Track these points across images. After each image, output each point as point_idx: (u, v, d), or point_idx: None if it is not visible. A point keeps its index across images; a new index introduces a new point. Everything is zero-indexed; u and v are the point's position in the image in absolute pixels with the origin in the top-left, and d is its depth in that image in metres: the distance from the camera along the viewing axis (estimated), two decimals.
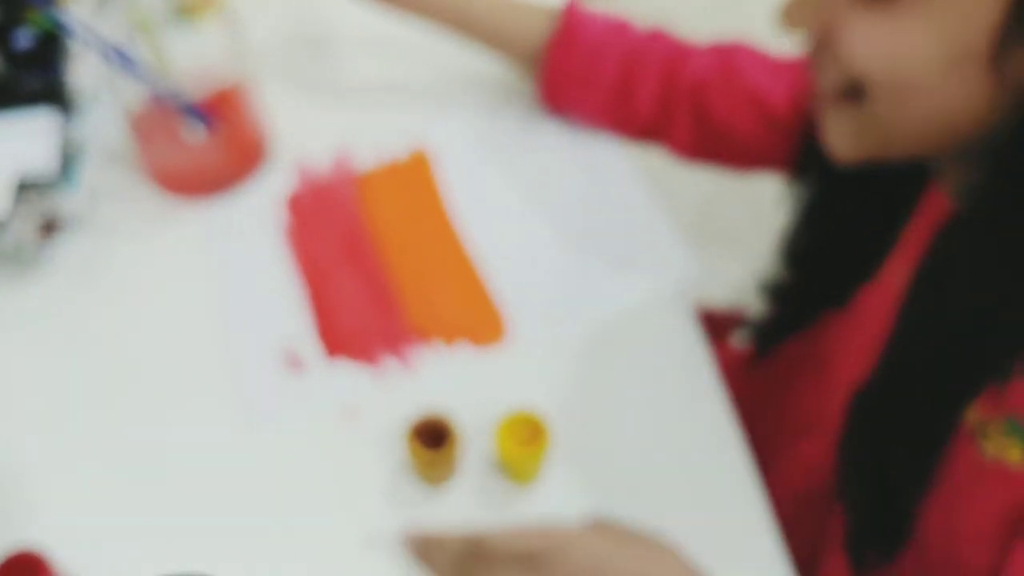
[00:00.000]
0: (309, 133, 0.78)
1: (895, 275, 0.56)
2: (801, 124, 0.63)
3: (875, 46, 0.44)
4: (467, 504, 0.59)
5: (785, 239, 0.66)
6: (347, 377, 0.65)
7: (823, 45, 0.48)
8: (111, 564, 0.56)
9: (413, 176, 0.76)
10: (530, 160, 0.76)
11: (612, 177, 0.75)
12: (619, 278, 0.69)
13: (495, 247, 0.71)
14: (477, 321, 0.67)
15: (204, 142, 0.72)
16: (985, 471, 0.48)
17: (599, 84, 0.72)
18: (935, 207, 0.54)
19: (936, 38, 0.43)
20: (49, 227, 0.71)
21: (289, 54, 0.85)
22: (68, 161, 0.74)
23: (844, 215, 0.61)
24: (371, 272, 0.70)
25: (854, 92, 0.47)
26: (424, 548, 0.50)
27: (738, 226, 1.67)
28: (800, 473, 0.64)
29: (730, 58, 0.70)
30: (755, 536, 0.58)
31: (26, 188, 0.71)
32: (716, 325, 0.77)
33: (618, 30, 0.72)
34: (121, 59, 0.67)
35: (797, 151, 0.64)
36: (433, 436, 0.57)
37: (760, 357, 0.71)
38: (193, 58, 0.68)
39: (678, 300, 0.68)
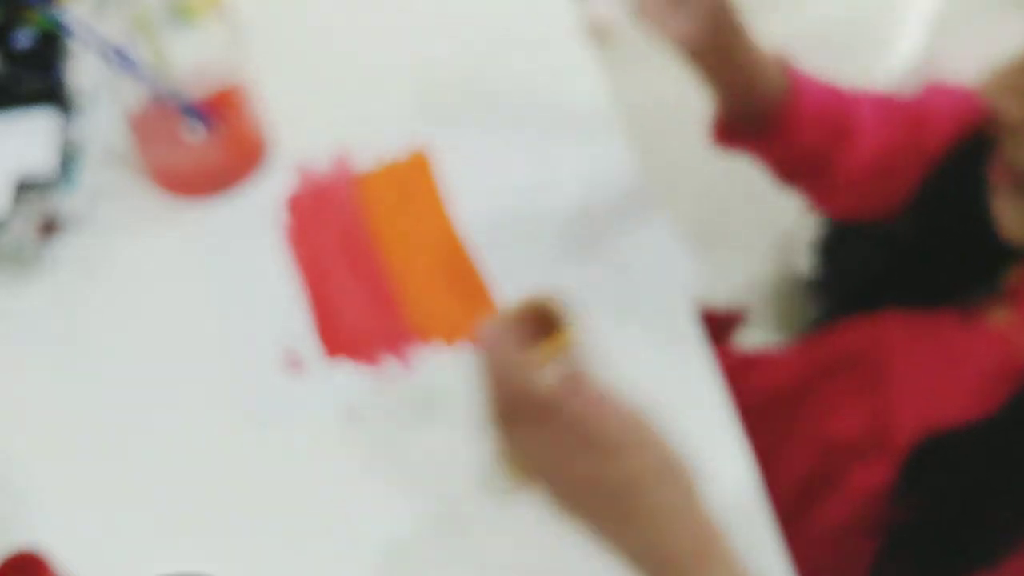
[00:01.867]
0: (309, 133, 0.78)
1: (995, 321, 0.55)
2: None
3: None
4: (467, 502, 0.59)
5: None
6: (347, 377, 0.65)
7: None
8: (111, 564, 0.57)
9: (413, 176, 0.76)
10: (530, 161, 0.76)
11: (613, 178, 0.75)
12: (620, 279, 0.70)
13: (495, 247, 0.71)
14: (477, 321, 0.67)
15: (204, 142, 0.72)
16: None
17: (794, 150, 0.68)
18: None
19: None
20: (49, 227, 0.71)
21: (289, 54, 0.85)
22: (68, 161, 0.74)
23: (940, 250, 0.59)
24: (371, 272, 0.70)
25: None
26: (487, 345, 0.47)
27: (739, 228, 1.68)
28: (853, 500, 0.61)
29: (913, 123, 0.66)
30: (754, 532, 0.58)
31: (26, 188, 0.71)
32: (716, 325, 0.77)
33: (832, 103, 0.67)
34: (121, 59, 0.67)
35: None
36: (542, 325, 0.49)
37: (813, 329, 0.67)
38: (193, 58, 0.68)
39: (679, 301, 0.68)
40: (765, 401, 0.70)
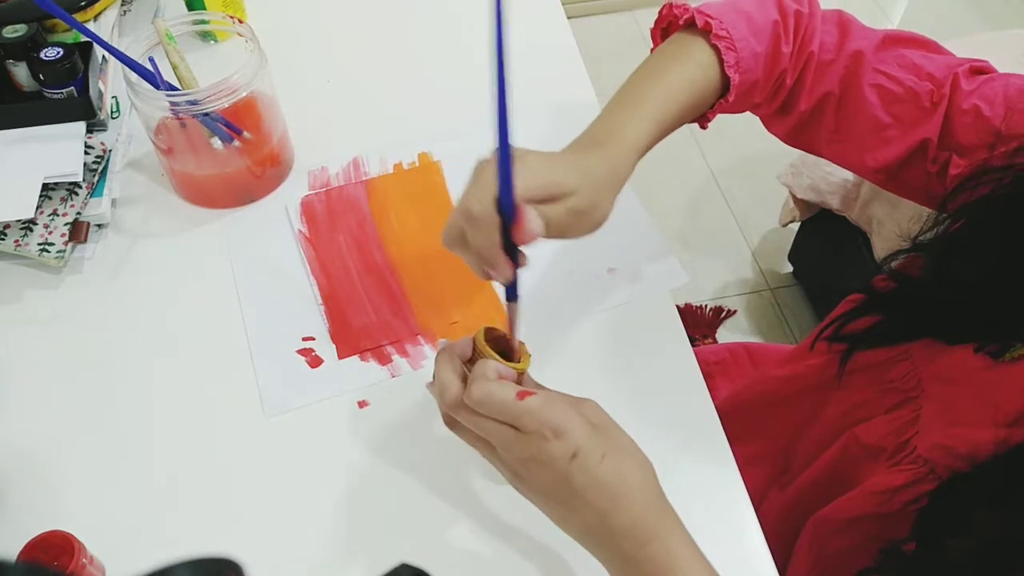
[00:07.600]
0: (325, 144, 0.81)
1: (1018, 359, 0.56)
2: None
3: None
4: (470, 489, 0.62)
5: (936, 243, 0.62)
6: (358, 375, 0.67)
7: None
8: (135, 546, 0.59)
9: (422, 180, 0.79)
10: None
11: None
12: (615, 281, 0.73)
13: None
14: (483, 321, 0.69)
15: (227, 155, 0.74)
16: None
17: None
18: None
19: None
20: (77, 232, 0.74)
21: (307, 71, 0.88)
22: (95, 170, 0.76)
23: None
24: (382, 274, 0.73)
25: None
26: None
27: (718, 234, 1.71)
28: (866, 498, 0.63)
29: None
30: (734, 508, 0.61)
31: (55, 194, 0.73)
32: (703, 321, 0.80)
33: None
34: (146, 74, 0.70)
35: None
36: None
37: (849, 350, 0.67)
38: (217, 74, 0.69)
39: (665, 300, 0.72)
40: (793, 391, 0.73)
